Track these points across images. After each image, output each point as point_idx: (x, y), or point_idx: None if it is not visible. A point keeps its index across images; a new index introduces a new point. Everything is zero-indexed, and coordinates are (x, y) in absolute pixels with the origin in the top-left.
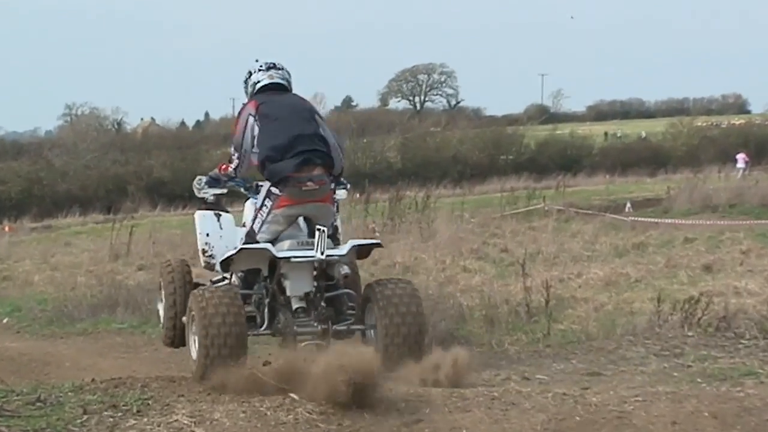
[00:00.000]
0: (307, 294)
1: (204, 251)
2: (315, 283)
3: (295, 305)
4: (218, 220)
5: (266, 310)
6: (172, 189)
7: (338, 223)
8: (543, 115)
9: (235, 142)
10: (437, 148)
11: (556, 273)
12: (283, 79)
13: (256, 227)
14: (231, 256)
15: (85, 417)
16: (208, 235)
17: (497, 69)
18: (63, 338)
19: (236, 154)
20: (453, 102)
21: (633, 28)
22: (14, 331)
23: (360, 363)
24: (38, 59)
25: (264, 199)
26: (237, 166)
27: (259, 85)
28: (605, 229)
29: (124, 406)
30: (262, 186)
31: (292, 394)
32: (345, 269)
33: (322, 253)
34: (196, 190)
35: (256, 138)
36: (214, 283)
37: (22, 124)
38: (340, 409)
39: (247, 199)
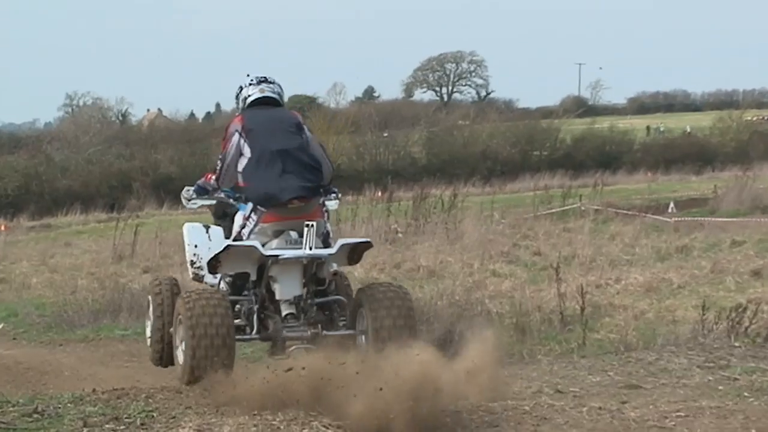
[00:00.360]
0: (297, 298)
1: (192, 262)
2: (305, 287)
3: (285, 311)
4: (207, 232)
5: (255, 316)
6: (179, 185)
7: (329, 230)
8: (580, 107)
9: (222, 156)
10: (465, 143)
11: (592, 278)
12: (274, 93)
13: (244, 234)
14: (218, 255)
15: (86, 430)
16: (196, 246)
17: (531, 58)
18: (62, 345)
19: (221, 166)
20: (483, 93)
21: (678, 14)
22: (10, 338)
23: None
24: (37, 45)
25: (251, 212)
26: (218, 177)
27: (249, 100)
28: (646, 230)
29: (127, 418)
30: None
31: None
32: (334, 266)
33: (310, 248)
34: (184, 201)
35: (241, 156)
36: None
37: (20, 115)
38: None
39: (236, 211)
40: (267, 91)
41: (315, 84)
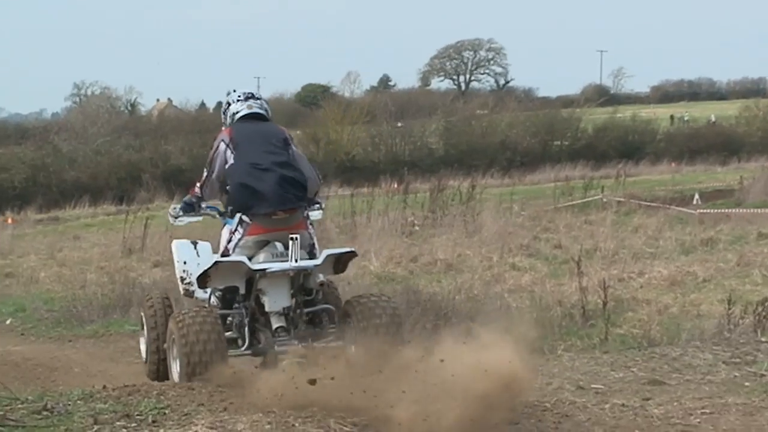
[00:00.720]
0: (286, 310)
1: (182, 279)
2: (293, 298)
3: (275, 324)
4: (195, 248)
5: (246, 330)
6: (190, 177)
7: (314, 241)
8: (602, 96)
9: (208, 165)
10: (484, 133)
11: (615, 272)
12: (261, 108)
13: (230, 249)
14: (207, 270)
15: (96, 427)
16: (185, 263)
17: (551, 45)
18: (71, 341)
19: (206, 174)
20: (501, 82)
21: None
22: (18, 333)
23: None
24: (44, 33)
25: (237, 226)
26: (202, 185)
27: (238, 116)
28: (670, 223)
29: (138, 415)
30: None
31: None
32: (321, 277)
33: (296, 261)
34: (171, 219)
35: (228, 166)
36: None
37: (27, 105)
38: (374, 422)
39: (224, 225)
40: (255, 107)
41: (329, 73)
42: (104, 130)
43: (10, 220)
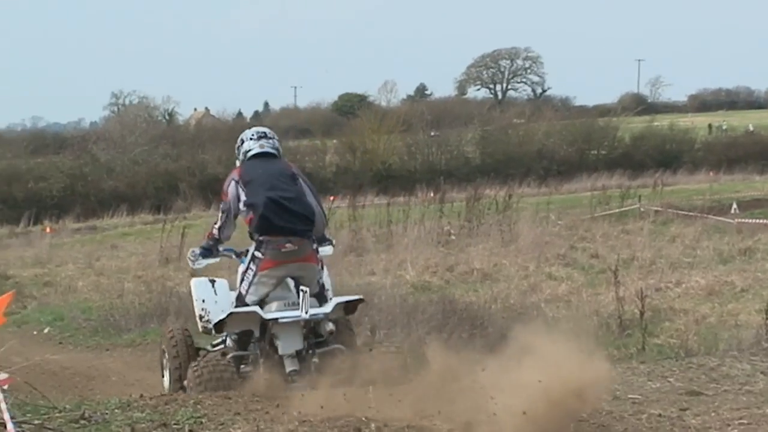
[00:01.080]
0: (298, 352)
1: (201, 317)
2: (305, 340)
3: (288, 368)
4: (213, 286)
5: (261, 369)
6: None
7: (324, 280)
8: (639, 105)
9: (223, 205)
10: (520, 142)
11: (652, 281)
12: (272, 147)
13: (243, 290)
14: (223, 320)
15: None
16: (204, 301)
17: (588, 54)
18: (109, 350)
19: (222, 216)
20: (538, 90)
21: (741, 8)
22: (56, 342)
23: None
24: (83, 44)
25: (249, 263)
26: (220, 226)
27: (249, 154)
28: (708, 232)
29: (175, 424)
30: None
31: None
32: (330, 326)
33: (306, 313)
34: (190, 262)
35: (241, 202)
36: (213, 346)
37: (65, 114)
38: (413, 430)
39: (240, 264)
40: (266, 146)
41: (366, 82)
42: (142, 139)
43: (48, 229)
